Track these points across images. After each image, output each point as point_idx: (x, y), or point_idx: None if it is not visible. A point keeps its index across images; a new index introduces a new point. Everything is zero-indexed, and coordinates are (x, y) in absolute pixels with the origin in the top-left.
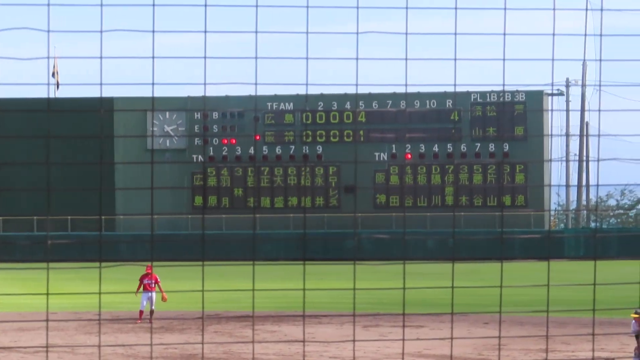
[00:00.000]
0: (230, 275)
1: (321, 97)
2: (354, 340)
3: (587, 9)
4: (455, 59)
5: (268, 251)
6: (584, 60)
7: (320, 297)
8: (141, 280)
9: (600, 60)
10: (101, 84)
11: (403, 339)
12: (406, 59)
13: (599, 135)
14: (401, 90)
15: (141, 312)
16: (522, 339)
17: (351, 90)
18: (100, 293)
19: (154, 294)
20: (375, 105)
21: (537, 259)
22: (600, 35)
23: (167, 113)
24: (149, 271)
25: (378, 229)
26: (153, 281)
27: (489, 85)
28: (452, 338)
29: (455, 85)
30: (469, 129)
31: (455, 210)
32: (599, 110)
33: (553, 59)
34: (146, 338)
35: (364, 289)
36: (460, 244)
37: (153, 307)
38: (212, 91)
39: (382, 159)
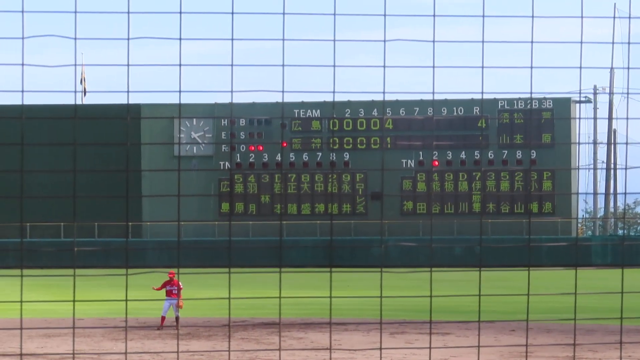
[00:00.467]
0: (257, 282)
1: (348, 104)
2: (380, 348)
3: (614, 17)
4: (482, 67)
5: (294, 258)
6: (612, 67)
7: (347, 304)
8: (164, 285)
9: (629, 67)
10: (128, 91)
11: (430, 347)
12: (433, 67)
13: (626, 143)
14: (428, 97)
15: (163, 318)
16: (550, 346)
17: (378, 97)
18: (126, 300)
19: (176, 301)
20: (402, 112)
21: (565, 266)
22: (629, 42)
23: (195, 120)
24: (172, 276)
25: (405, 236)
26: (175, 288)
27: (517, 92)
28: (479, 346)
29: (482, 92)
30: (496, 136)
31: (483, 217)
32: (627, 118)
33: (581, 67)
34: (173, 345)
35: (391, 296)
36: (487, 251)
37: (178, 314)
38: (239, 98)
39: (409, 166)
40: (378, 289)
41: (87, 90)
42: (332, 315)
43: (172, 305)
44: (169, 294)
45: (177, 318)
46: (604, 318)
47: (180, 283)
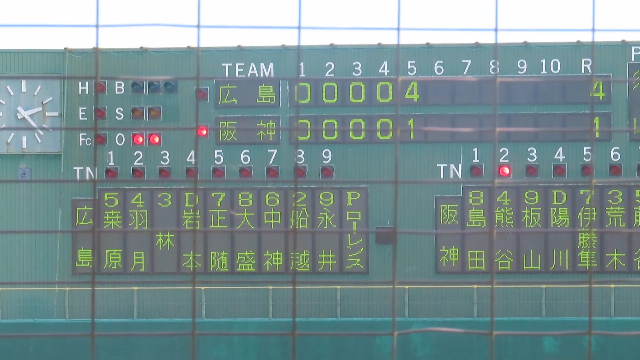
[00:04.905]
0: None
1: (330, 52)
2: None
3: None
4: None
5: None
6: None
7: None
8: None
9: None
10: None
11: None
12: None
13: None
14: (489, 37)
15: None
16: None
17: (389, 37)
18: None
19: None
20: (437, 68)
21: None
22: None
23: (23, 82)
24: None
25: (443, 317)
26: None
27: None
28: None
29: (593, 29)
30: (627, 116)
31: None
32: None
33: None
34: None
35: None
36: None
37: None
38: (109, 37)
39: (453, 175)
40: None
41: None
42: None
43: None
44: None
45: None
46: None
47: None
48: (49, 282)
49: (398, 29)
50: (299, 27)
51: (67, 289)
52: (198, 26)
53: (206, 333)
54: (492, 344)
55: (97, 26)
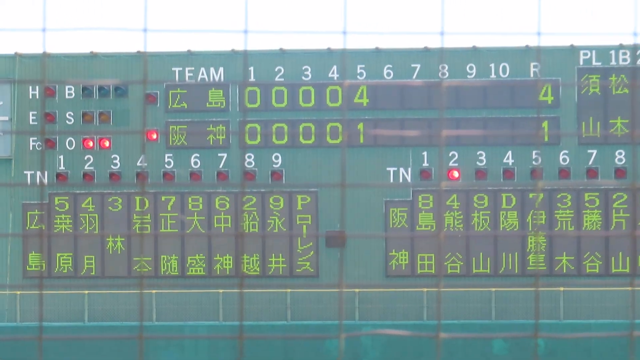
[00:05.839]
0: None
1: (279, 56)
2: None
3: None
4: None
5: None
6: None
7: None
8: None
9: None
10: None
11: None
12: None
13: None
14: (435, 41)
15: None
16: None
17: (336, 41)
18: None
19: None
20: (387, 72)
21: None
22: None
23: None
24: None
25: (393, 320)
26: None
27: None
28: None
29: (539, 33)
30: (576, 119)
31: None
32: None
33: None
34: None
35: None
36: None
37: None
38: (60, 42)
39: (402, 178)
40: None
41: None
42: None
43: None
44: None
45: None
46: None
47: None
48: None
49: (345, 32)
50: (245, 31)
51: (18, 292)
52: (145, 30)
53: (153, 336)
54: (439, 347)
55: (44, 30)
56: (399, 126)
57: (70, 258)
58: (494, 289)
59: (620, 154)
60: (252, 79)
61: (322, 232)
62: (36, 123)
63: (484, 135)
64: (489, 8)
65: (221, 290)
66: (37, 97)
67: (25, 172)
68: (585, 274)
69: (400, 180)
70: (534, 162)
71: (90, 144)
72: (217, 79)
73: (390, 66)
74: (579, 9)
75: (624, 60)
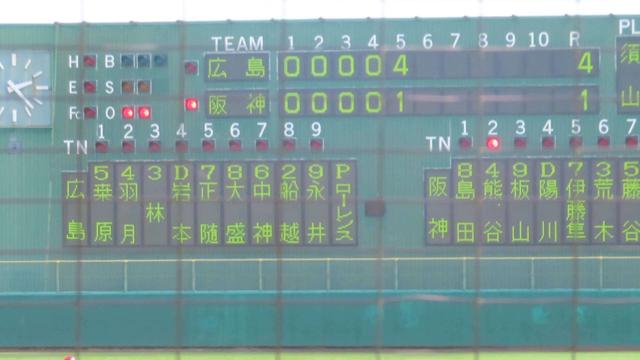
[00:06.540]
0: None
1: (319, 25)
2: None
3: None
4: None
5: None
6: None
7: None
8: None
9: None
10: None
11: None
12: None
13: None
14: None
15: None
16: None
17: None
18: None
19: None
20: (426, 41)
21: None
22: None
23: (14, 55)
24: None
25: (431, 289)
26: None
27: None
28: None
29: None
30: (615, 88)
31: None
32: None
33: None
34: None
35: None
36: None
37: None
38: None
39: (441, 148)
40: None
41: None
42: None
43: None
44: None
45: None
46: None
47: None
48: (38, 250)
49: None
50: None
51: (58, 261)
52: None
53: (191, 302)
54: (477, 312)
55: None
56: (439, 95)
57: (110, 227)
58: (533, 258)
59: None
60: (291, 48)
61: (361, 200)
62: (76, 92)
63: (523, 103)
64: None
65: (260, 259)
66: (77, 66)
67: (65, 141)
68: (625, 242)
69: (440, 149)
70: (573, 131)
71: (130, 113)
72: (256, 48)
73: (430, 35)
74: None
75: None
